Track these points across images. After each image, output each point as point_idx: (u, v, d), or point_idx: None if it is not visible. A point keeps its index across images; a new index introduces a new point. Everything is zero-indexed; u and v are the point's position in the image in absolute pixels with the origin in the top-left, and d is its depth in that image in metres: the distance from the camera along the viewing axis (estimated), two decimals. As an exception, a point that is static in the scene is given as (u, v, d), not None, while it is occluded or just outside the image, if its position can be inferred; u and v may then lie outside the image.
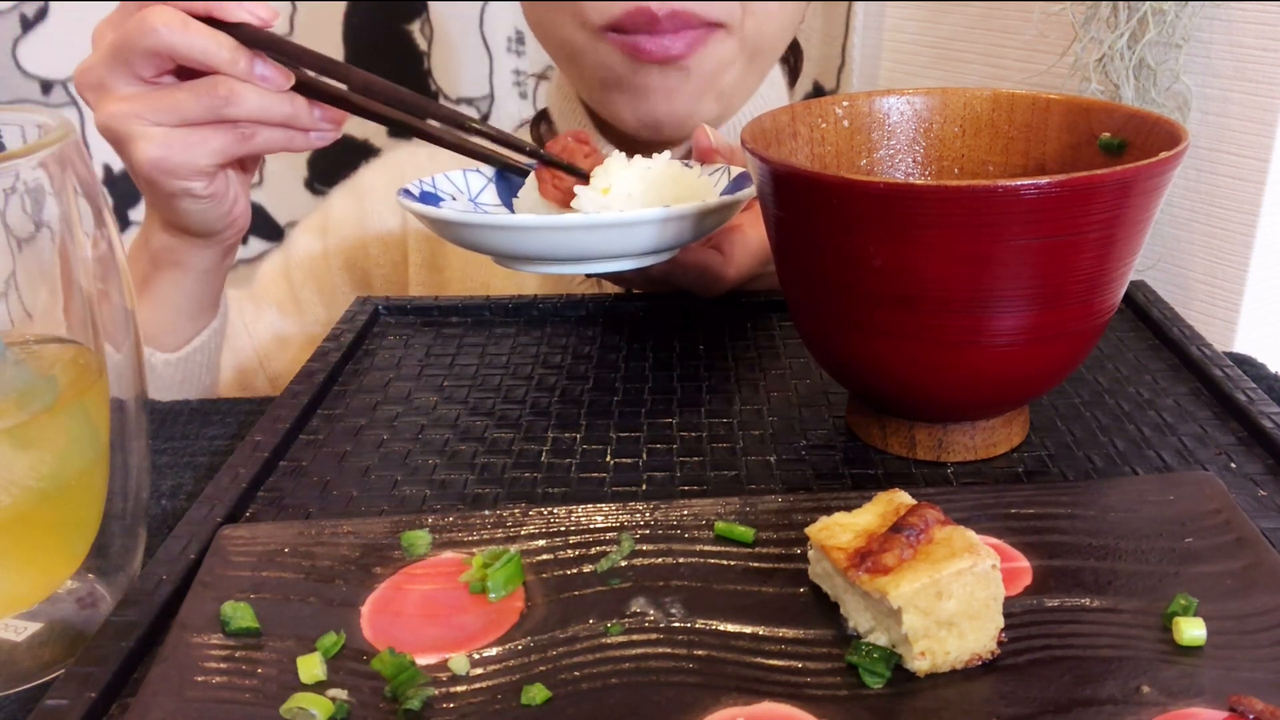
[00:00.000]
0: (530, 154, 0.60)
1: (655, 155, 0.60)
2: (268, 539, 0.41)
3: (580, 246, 0.53)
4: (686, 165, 0.63)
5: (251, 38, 0.57)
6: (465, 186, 0.65)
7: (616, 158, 0.58)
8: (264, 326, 0.83)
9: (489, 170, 0.66)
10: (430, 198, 0.61)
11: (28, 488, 0.37)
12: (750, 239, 0.63)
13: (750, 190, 0.56)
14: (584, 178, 0.58)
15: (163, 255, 0.66)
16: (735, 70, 0.72)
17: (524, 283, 0.82)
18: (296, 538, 0.41)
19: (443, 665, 0.35)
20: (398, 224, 0.88)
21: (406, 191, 0.60)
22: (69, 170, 0.38)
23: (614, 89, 0.72)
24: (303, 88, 0.58)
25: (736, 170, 0.61)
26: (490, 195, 0.66)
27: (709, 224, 0.55)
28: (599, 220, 0.51)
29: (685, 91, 0.71)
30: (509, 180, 0.66)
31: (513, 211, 0.64)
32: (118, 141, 0.59)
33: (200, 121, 0.58)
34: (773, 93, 0.81)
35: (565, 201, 0.58)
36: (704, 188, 0.60)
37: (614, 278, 0.71)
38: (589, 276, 0.77)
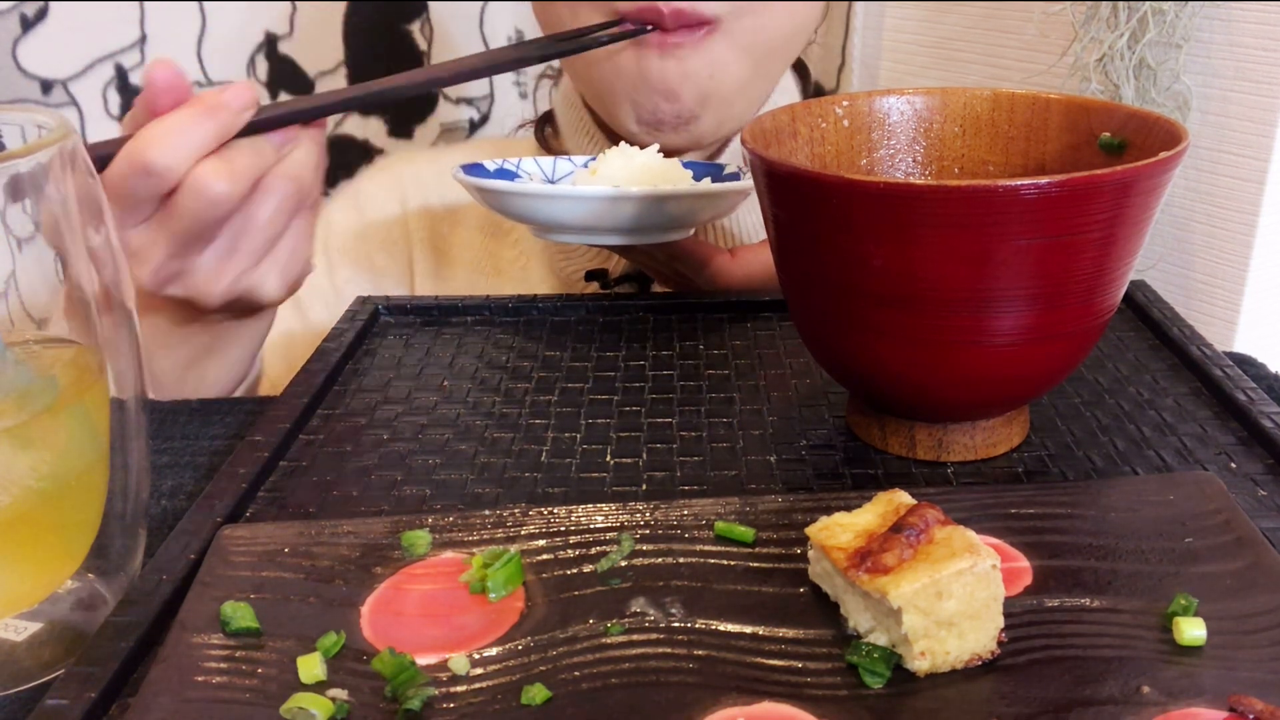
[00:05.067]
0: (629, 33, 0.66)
1: (647, 149, 0.65)
2: (268, 539, 0.41)
3: (557, 214, 0.60)
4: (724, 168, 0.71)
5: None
6: (550, 170, 0.71)
7: (617, 149, 0.65)
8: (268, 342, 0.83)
9: (581, 159, 0.71)
10: (506, 174, 0.69)
11: (28, 488, 0.37)
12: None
13: (707, 185, 0.62)
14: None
15: (233, 326, 0.65)
16: (734, 73, 0.72)
17: (530, 290, 0.82)
18: (296, 538, 0.41)
19: (443, 665, 0.35)
20: (401, 234, 0.87)
21: (481, 166, 0.67)
22: (69, 170, 0.38)
23: (617, 92, 0.72)
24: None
25: None
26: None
27: (672, 210, 0.60)
28: (553, 191, 0.59)
29: (685, 92, 0.71)
30: None
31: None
32: (243, 300, 0.61)
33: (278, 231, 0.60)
34: (785, 100, 0.81)
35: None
36: (683, 180, 0.65)
37: (630, 278, 0.73)
38: (606, 286, 0.77)
